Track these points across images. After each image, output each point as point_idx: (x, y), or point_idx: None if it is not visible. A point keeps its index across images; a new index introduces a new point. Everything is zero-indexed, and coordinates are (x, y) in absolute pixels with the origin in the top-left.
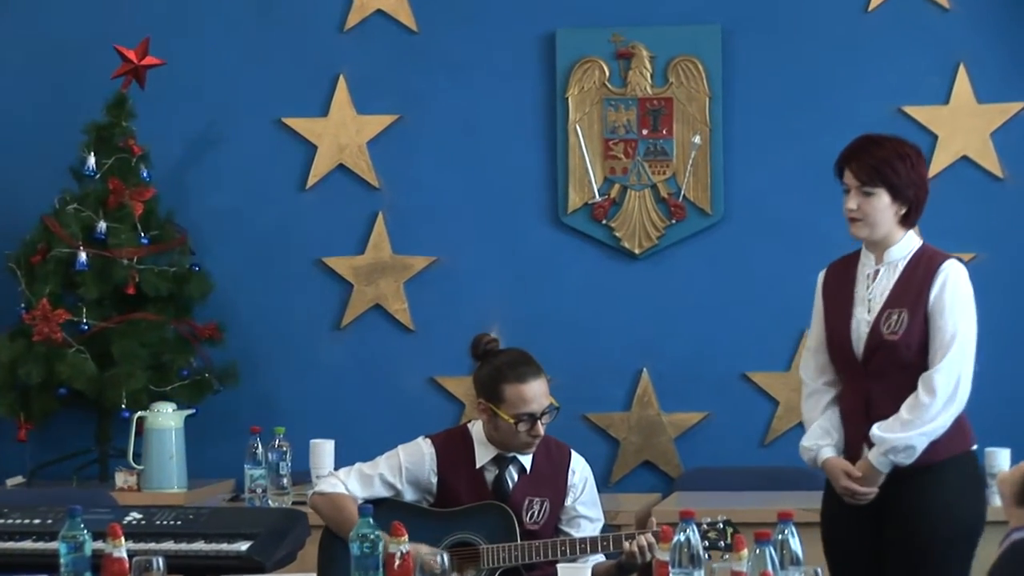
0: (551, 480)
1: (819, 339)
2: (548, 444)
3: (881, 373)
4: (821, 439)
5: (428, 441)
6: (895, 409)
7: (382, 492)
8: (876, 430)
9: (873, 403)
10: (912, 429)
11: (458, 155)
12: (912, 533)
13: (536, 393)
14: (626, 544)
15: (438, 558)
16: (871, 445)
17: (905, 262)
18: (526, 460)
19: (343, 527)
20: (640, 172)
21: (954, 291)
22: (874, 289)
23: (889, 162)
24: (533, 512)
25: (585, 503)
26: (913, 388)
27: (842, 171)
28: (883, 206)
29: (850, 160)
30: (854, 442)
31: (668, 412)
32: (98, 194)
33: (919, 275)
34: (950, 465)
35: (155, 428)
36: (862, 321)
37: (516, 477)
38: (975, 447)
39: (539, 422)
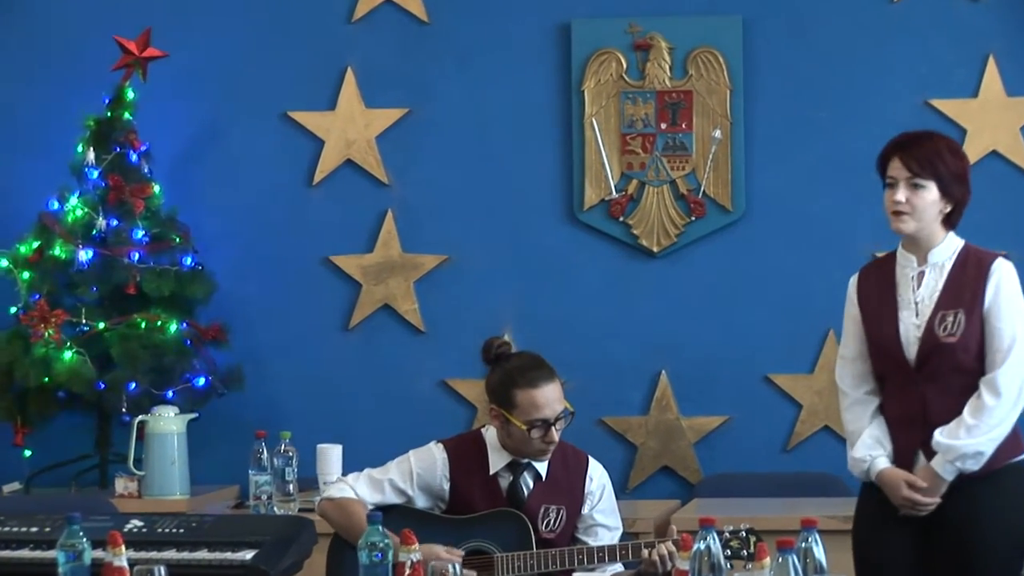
0: (567, 487)
1: (857, 347)
2: (564, 451)
3: (936, 377)
4: (873, 449)
5: (440, 446)
6: (952, 414)
7: (393, 498)
8: (941, 437)
9: (929, 408)
10: (980, 434)
11: (470, 150)
12: (965, 543)
13: (549, 398)
14: (645, 553)
15: (449, 566)
16: (928, 452)
17: (951, 262)
18: (542, 467)
19: (352, 533)
20: (658, 167)
21: (1009, 290)
22: (921, 292)
23: (940, 154)
24: (549, 520)
25: (603, 511)
26: (968, 391)
27: (886, 163)
28: (931, 200)
29: (899, 150)
30: (906, 450)
31: (687, 416)
32: (98, 191)
33: (970, 275)
34: (1005, 473)
35: (157, 433)
36: (910, 325)
37: (531, 484)
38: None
39: (553, 428)
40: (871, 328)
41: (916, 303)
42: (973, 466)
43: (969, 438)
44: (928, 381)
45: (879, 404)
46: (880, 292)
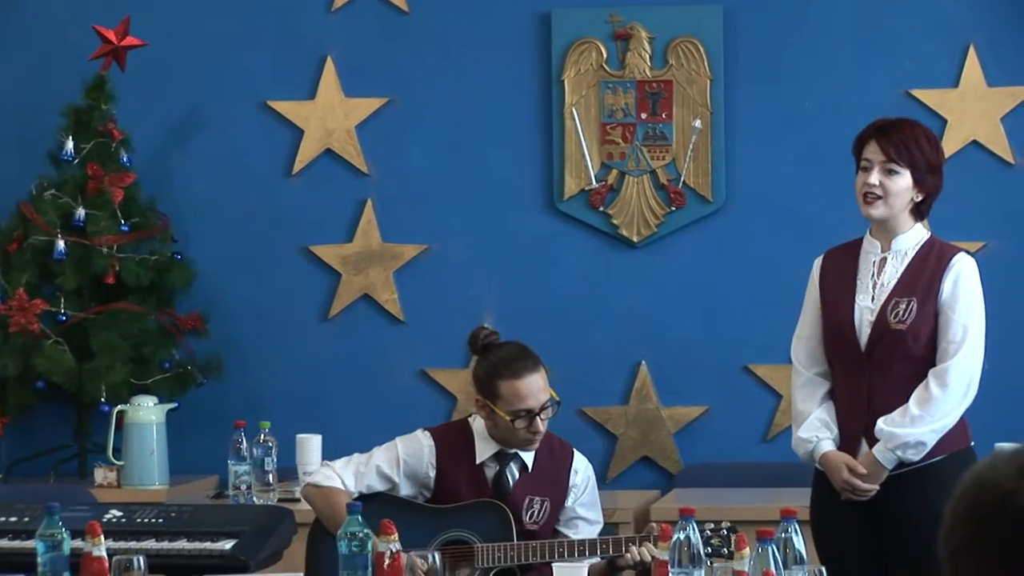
0: (553, 479)
1: (813, 326)
2: (551, 442)
3: (883, 364)
4: (820, 431)
5: (427, 434)
6: (897, 402)
7: (378, 485)
8: (883, 425)
9: (874, 396)
10: (923, 424)
11: (450, 140)
12: (914, 534)
13: (533, 389)
14: (627, 555)
15: (429, 558)
16: (870, 439)
17: (914, 252)
18: (528, 458)
19: (335, 522)
20: (638, 157)
21: (967, 285)
22: (881, 277)
23: (918, 142)
24: (533, 511)
25: (585, 504)
26: (915, 381)
27: (863, 146)
28: (904, 187)
29: (878, 134)
30: (851, 436)
31: (667, 406)
32: (76, 180)
33: (930, 266)
34: (949, 462)
35: (136, 423)
36: (865, 309)
37: (517, 475)
38: (973, 443)
39: (538, 418)
40: (827, 310)
41: (874, 288)
42: (914, 456)
43: (912, 428)
44: (875, 367)
45: (829, 388)
46: (841, 275)
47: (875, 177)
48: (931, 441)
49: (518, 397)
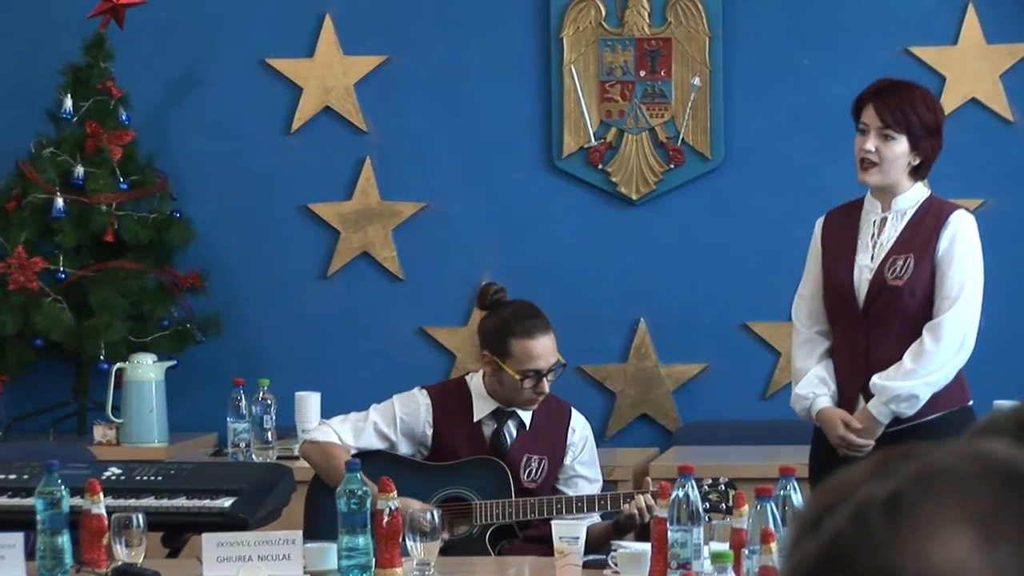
0: (550, 438)
1: (815, 285)
2: (548, 401)
3: (881, 321)
4: (817, 388)
5: (424, 392)
6: (895, 358)
7: (376, 443)
8: (877, 379)
9: (872, 352)
10: (916, 378)
11: (449, 97)
12: None
13: (544, 350)
14: (625, 506)
15: (428, 515)
16: (867, 396)
17: (913, 210)
18: (526, 416)
19: (333, 477)
20: (637, 115)
21: (964, 241)
22: (881, 236)
23: (915, 107)
24: (531, 470)
25: (583, 463)
26: (913, 338)
27: (860, 109)
28: (901, 152)
29: (875, 99)
30: (849, 394)
31: (666, 364)
32: (75, 138)
33: (928, 223)
34: (947, 420)
35: (135, 380)
36: (864, 267)
37: (515, 433)
38: (971, 402)
39: (545, 379)
40: (828, 269)
41: (874, 247)
42: (907, 410)
43: (904, 381)
44: (873, 325)
45: (829, 346)
46: (842, 235)
47: (871, 143)
48: (924, 395)
49: (529, 357)
